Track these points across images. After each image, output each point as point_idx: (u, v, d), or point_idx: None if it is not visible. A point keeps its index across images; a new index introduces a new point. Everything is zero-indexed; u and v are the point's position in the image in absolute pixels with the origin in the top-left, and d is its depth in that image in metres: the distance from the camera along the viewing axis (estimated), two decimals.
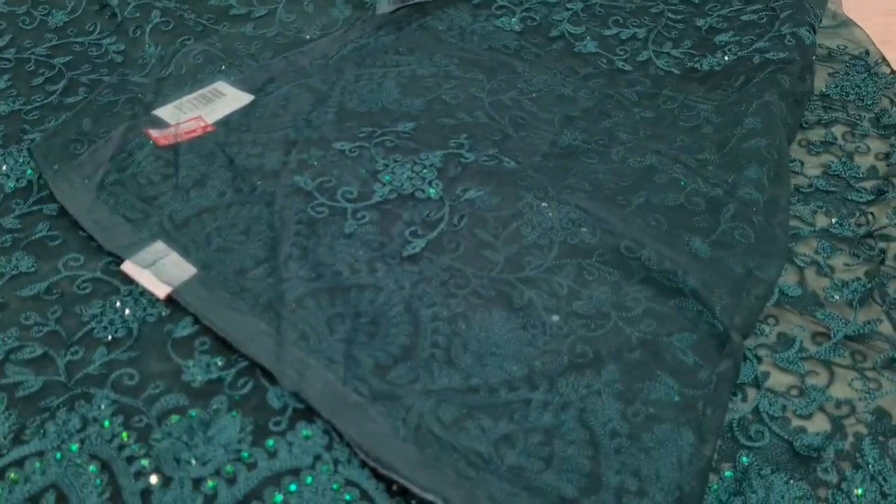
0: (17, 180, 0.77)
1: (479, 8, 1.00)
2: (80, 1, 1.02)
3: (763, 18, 0.93)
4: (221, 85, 0.88)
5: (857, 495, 0.54)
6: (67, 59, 0.94)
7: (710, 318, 0.61)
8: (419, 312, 0.62)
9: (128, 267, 0.67)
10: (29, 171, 0.78)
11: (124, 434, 0.54)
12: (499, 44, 0.94)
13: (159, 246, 0.69)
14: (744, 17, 0.94)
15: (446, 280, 0.65)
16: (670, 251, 0.66)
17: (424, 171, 0.74)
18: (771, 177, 0.74)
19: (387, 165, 0.74)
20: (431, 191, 0.72)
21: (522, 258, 0.66)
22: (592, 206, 0.71)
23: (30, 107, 0.87)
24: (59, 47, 0.96)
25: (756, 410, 0.59)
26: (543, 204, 0.71)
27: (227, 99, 0.86)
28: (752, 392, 0.60)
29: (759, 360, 0.62)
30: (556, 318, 0.62)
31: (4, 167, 0.78)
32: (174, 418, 0.55)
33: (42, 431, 0.55)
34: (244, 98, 0.86)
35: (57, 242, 0.71)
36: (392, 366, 0.58)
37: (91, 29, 0.99)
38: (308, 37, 0.98)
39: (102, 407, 0.56)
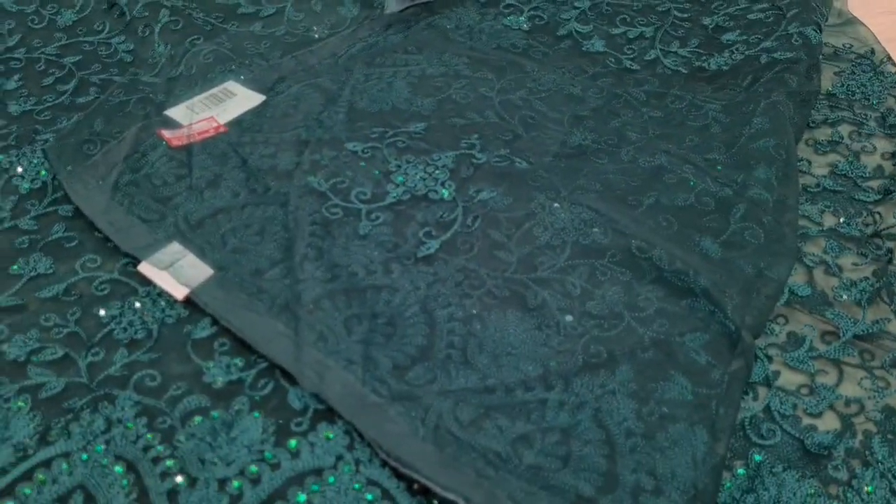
0: (32, 181, 0.78)
1: (487, 6, 1.00)
2: (89, 0, 1.02)
3: (770, 17, 0.94)
4: (232, 84, 0.89)
5: (867, 492, 0.55)
6: (77, 58, 0.94)
7: (721, 318, 0.62)
8: (435, 313, 0.63)
9: (145, 268, 0.68)
10: (43, 172, 0.78)
11: (149, 435, 0.55)
12: (507, 43, 0.95)
13: (175, 247, 0.70)
14: (750, 16, 0.95)
15: (461, 281, 0.66)
16: (681, 251, 0.67)
17: (437, 171, 0.74)
18: (779, 177, 0.75)
19: (399, 166, 0.75)
20: (444, 192, 0.73)
21: (535, 259, 0.67)
22: (604, 206, 0.72)
23: (41, 107, 0.87)
24: (68, 47, 0.96)
25: (767, 409, 0.60)
26: (555, 204, 0.71)
27: (238, 99, 0.87)
28: (763, 391, 0.61)
29: (770, 359, 0.64)
30: (569, 318, 0.63)
31: (19, 168, 0.79)
32: (197, 419, 0.56)
33: (67, 433, 0.55)
34: (255, 98, 0.87)
35: (73, 244, 0.72)
36: (410, 366, 0.59)
37: (100, 28, 0.99)
38: (317, 35, 0.98)
39: (126, 408, 0.57)
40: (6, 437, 0.55)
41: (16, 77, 0.91)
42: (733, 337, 0.61)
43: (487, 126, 0.81)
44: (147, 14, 1.00)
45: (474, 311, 0.63)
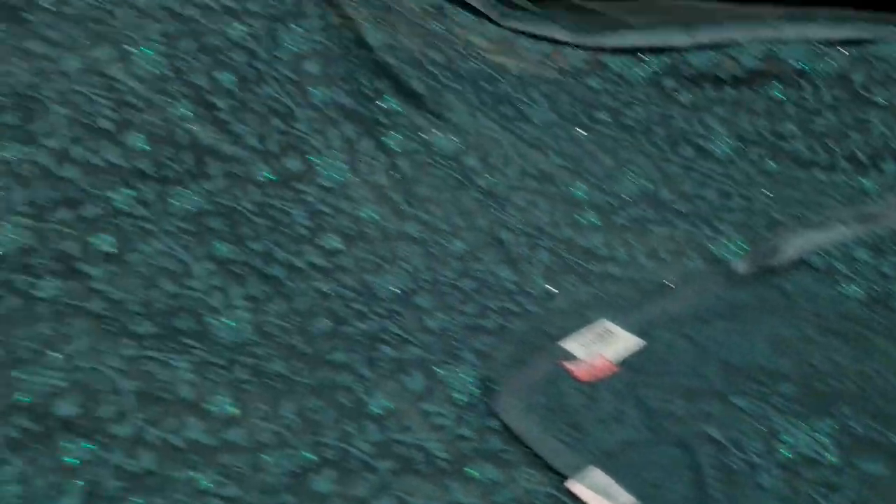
0: (465, 394, 0.97)
1: (821, 272, 1.15)
2: (476, 234, 1.25)
3: None
4: (609, 324, 1.07)
5: None
6: (473, 285, 1.16)
7: None
8: None
9: (577, 488, 0.84)
10: (473, 390, 0.97)
11: None
12: (846, 309, 1.08)
13: (600, 474, 0.85)
14: None
15: None
16: None
17: (819, 435, 0.88)
18: None
19: (783, 426, 0.89)
20: (831, 458, 0.85)
21: None
22: None
23: (454, 326, 1.08)
24: (463, 274, 1.18)
25: None
26: None
27: (618, 338, 1.04)
28: None
29: None
30: None
31: (451, 381, 0.98)
32: None
33: None
34: (631, 339, 1.04)
35: (509, 456, 0.89)
36: None
37: (485, 258, 1.21)
38: (670, 284, 1.16)
39: None
40: None
41: (426, 297, 1.13)
42: None
43: (851, 395, 0.94)
44: (528, 252, 1.21)
45: None
